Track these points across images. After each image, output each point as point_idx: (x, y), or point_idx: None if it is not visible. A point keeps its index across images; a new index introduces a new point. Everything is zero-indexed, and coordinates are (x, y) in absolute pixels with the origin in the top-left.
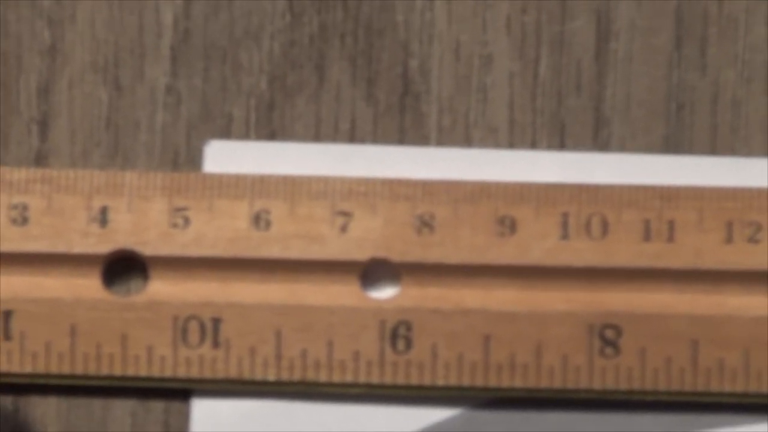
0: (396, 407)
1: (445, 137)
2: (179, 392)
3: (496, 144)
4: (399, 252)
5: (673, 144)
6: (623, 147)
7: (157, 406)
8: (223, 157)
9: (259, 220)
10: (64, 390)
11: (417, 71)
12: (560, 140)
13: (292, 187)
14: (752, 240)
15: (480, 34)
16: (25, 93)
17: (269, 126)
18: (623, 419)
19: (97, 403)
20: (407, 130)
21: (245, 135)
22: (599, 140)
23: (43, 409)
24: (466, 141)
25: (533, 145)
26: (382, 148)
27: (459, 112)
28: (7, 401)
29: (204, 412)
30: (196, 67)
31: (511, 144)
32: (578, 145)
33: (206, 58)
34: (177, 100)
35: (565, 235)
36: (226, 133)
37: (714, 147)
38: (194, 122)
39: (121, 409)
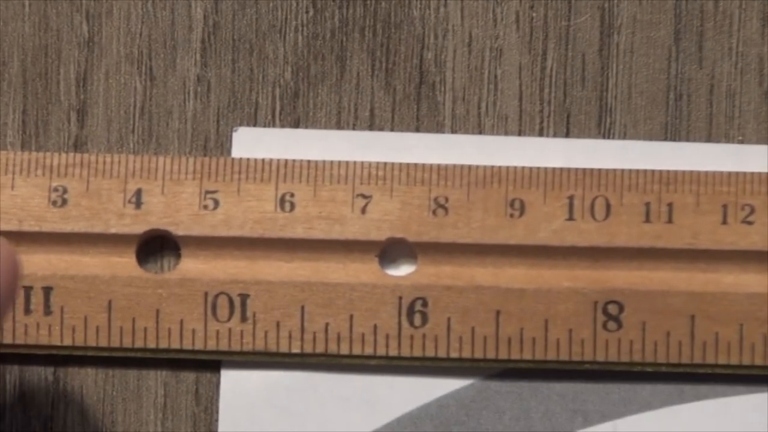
0: (412, 378)
1: (459, 125)
2: (209, 363)
3: (506, 131)
4: (415, 232)
5: (671, 131)
6: (625, 134)
7: (189, 376)
8: (251, 143)
9: (284, 202)
10: (101, 361)
11: (432, 63)
12: (566, 128)
13: (315, 172)
14: (746, 221)
15: (491, 29)
16: (65, 83)
17: (293, 114)
18: (625, 389)
19: (132, 374)
20: (423, 118)
21: (271, 122)
22: (603, 128)
23: (81, 379)
24: (478, 128)
25: (541, 132)
26: (399, 134)
27: (471, 102)
28: (48, 372)
29: (232, 382)
30: (225, 59)
31: (521, 131)
32: (583, 133)
33: (234, 50)
34: (207, 90)
35: (570, 217)
36: (252, 121)
37: (710, 134)
38: (223, 110)
39: (155, 379)
